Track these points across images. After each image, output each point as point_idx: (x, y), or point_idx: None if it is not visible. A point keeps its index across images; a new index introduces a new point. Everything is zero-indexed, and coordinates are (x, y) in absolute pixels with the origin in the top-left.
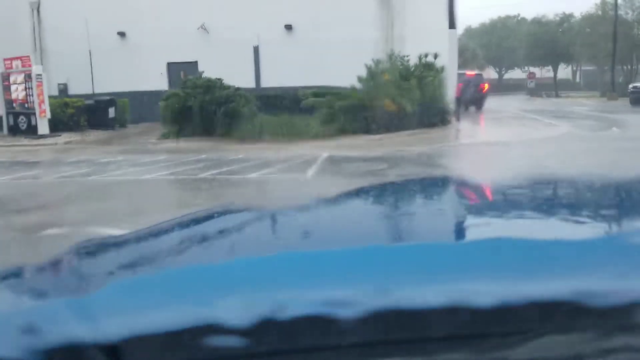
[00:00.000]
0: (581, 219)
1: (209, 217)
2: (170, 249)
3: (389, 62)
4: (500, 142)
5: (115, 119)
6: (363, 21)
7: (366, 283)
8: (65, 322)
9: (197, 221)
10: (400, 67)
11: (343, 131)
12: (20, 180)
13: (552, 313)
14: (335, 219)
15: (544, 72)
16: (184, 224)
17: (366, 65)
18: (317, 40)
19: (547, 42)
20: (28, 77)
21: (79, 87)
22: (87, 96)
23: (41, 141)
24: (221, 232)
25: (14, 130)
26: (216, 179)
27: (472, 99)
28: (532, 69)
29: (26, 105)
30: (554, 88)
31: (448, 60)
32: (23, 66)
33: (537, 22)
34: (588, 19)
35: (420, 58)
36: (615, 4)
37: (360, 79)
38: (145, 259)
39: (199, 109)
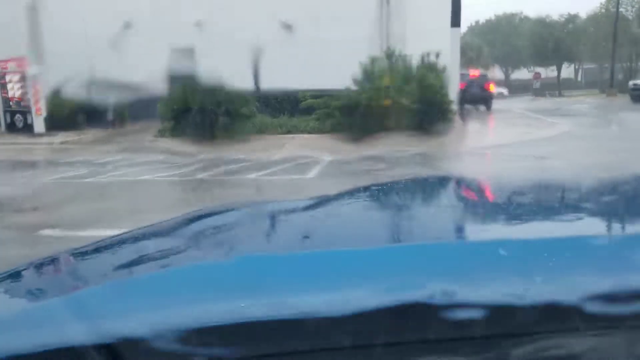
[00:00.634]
0: (581, 219)
1: (204, 217)
2: (166, 249)
3: (387, 61)
4: (503, 144)
5: (113, 117)
6: (363, 20)
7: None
8: (63, 322)
9: (192, 220)
10: (401, 67)
11: (342, 132)
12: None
13: (552, 313)
14: (341, 218)
15: (548, 72)
16: (181, 224)
17: (360, 64)
18: (317, 40)
19: (552, 42)
20: (24, 77)
21: (77, 86)
22: (85, 95)
23: (37, 139)
24: (218, 229)
25: (11, 128)
26: (216, 179)
27: (479, 98)
28: (537, 69)
29: (22, 104)
30: (558, 87)
31: (450, 60)
32: (18, 66)
33: (541, 22)
34: (593, 18)
35: (422, 58)
36: (617, 1)
37: (355, 81)
38: (142, 259)
39: (198, 109)
